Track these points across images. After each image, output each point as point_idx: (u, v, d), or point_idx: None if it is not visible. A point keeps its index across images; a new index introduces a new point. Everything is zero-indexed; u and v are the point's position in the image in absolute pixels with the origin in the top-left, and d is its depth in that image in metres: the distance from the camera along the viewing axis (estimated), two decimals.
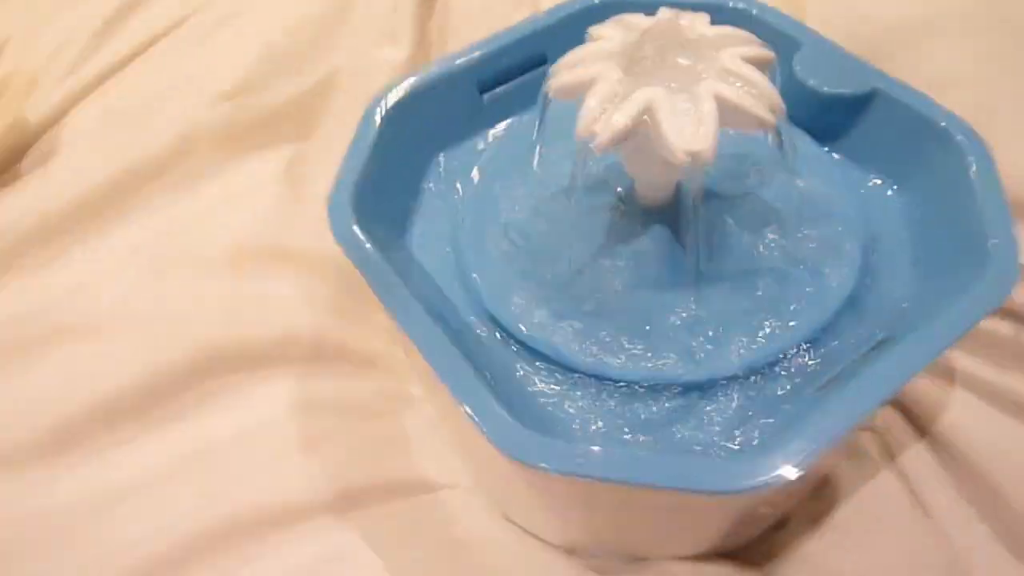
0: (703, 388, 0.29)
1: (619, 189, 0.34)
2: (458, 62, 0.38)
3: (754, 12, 0.39)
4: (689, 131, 0.26)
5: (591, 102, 0.27)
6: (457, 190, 0.37)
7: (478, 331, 0.32)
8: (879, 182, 0.36)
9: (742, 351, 0.29)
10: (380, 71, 0.53)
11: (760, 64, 0.29)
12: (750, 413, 0.29)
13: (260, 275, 0.44)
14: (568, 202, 0.34)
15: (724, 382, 0.29)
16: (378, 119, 0.36)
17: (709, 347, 0.30)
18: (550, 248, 0.33)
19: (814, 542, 0.37)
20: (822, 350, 0.30)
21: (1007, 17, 0.46)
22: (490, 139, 0.39)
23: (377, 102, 0.36)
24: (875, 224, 0.34)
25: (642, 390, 0.29)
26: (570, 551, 0.37)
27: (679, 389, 0.29)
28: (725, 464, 0.26)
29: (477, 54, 0.38)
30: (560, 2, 0.40)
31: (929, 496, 0.38)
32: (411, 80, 0.37)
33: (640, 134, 0.27)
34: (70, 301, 0.41)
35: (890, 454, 0.41)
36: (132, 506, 0.36)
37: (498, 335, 0.32)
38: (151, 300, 0.42)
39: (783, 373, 0.30)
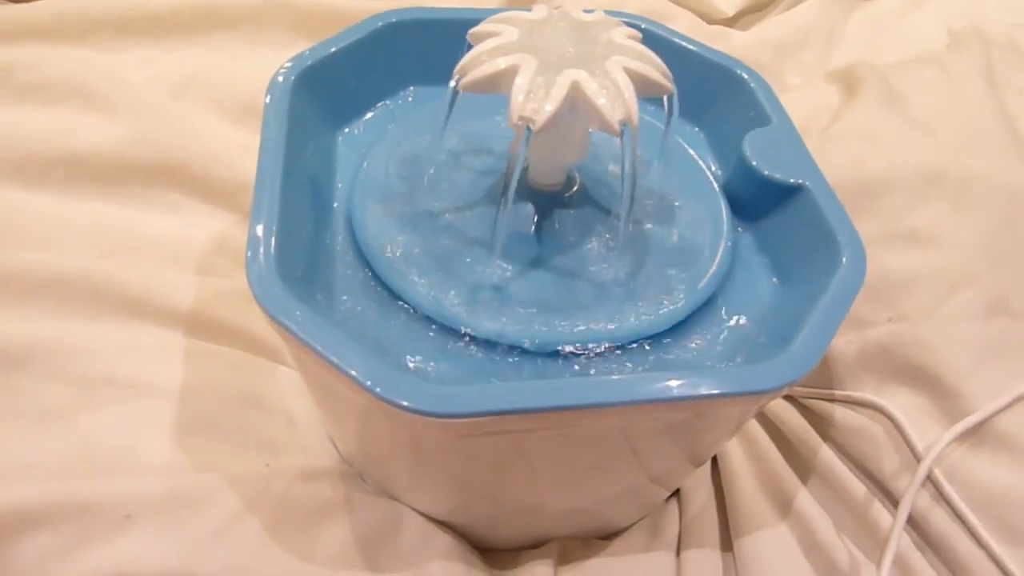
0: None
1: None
2: (451, 15, 0.41)
3: (740, 74, 0.40)
4: (615, 103, 0.28)
5: (519, 91, 0.29)
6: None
7: (336, 222, 0.35)
8: (767, 266, 0.36)
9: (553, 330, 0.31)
10: None
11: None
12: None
13: (255, 131, 0.49)
14: (465, 163, 0.37)
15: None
16: (366, 30, 0.40)
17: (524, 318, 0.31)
18: (431, 185, 0.36)
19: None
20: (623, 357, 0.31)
21: (1008, 195, 0.43)
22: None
23: (375, 16, 0.40)
24: (739, 302, 0.34)
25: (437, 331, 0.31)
26: (348, 463, 0.39)
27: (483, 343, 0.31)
28: (426, 385, 0.27)
29: (471, 13, 0.41)
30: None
31: None
32: (409, 11, 0.41)
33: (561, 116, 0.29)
34: (97, 78, 0.48)
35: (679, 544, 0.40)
36: (39, 238, 0.42)
37: (347, 239, 0.34)
38: (158, 108, 0.48)
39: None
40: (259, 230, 0.30)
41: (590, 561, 0.38)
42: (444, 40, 0.41)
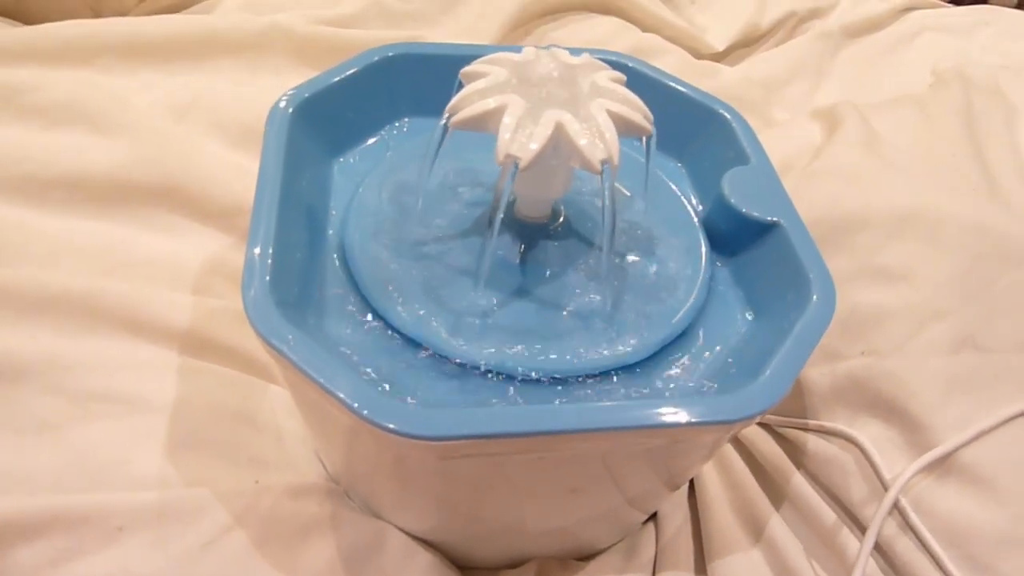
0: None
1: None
2: (446, 50, 0.43)
3: (721, 112, 0.42)
4: (597, 143, 0.30)
5: (506, 130, 0.30)
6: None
7: (329, 248, 0.36)
8: (742, 299, 0.37)
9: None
10: None
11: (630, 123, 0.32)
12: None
13: (253, 155, 0.51)
14: (456, 194, 0.38)
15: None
16: (364, 63, 0.41)
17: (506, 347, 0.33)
18: (421, 215, 0.37)
19: None
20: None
21: (978, 234, 0.45)
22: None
23: (373, 50, 0.42)
24: (714, 334, 0.36)
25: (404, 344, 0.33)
26: (334, 481, 0.40)
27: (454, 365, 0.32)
28: (410, 408, 0.29)
29: (466, 50, 0.43)
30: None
31: None
32: (405, 45, 0.43)
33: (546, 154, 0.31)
34: (100, 100, 0.50)
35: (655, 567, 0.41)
36: (39, 256, 0.44)
37: (339, 265, 0.36)
38: (159, 131, 0.50)
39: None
40: (255, 255, 0.31)
41: None
42: (439, 74, 0.43)
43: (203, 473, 0.37)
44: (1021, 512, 0.37)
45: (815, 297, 0.34)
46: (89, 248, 0.44)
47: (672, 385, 0.33)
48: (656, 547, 0.41)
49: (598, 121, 0.31)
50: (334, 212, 0.38)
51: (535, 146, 0.30)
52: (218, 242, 0.48)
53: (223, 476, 0.37)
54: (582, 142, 0.30)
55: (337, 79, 0.40)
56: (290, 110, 0.38)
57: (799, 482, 0.42)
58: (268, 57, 0.57)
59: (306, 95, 0.39)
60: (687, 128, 0.43)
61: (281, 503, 0.36)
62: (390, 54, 0.42)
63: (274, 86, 0.56)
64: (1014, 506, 0.38)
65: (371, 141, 0.42)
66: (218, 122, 0.52)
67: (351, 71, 0.41)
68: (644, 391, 0.33)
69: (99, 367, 0.39)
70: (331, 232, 0.37)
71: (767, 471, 0.43)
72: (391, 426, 0.27)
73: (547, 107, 0.31)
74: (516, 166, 0.30)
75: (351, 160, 0.41)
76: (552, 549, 0.41)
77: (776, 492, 0.42)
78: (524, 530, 0.39)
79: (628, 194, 0.41)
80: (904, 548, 0.38)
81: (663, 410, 0.29)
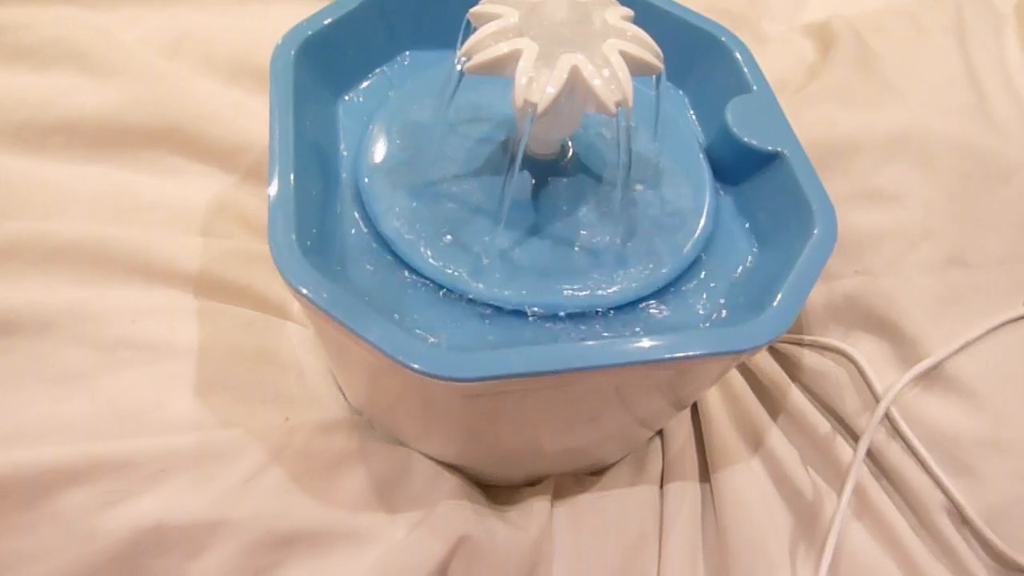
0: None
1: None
2: None
3: (723, 40, 0.42)
4: (611, 86, 0.30)
5: (522, 74, 0.30)
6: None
7: (345, 190, 0.37)
8: (746, 229, 0.38)
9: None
10: None
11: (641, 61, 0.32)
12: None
13: (249, 89, 0.50)
14: (464, 132, 0.39)
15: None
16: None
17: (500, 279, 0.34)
18: (434, 154, 0.38)
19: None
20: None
21: (967, 154, 0.46)
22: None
23: None
24: (720, 264, 0.37)
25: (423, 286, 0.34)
26: (357, 412, 0.42)
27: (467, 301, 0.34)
28: (436, 350, 0.30)
29: None
30: None
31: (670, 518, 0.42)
32: None
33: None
34: (90, 38, 0.48)
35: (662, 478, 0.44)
36: (45, 205, 0.43)
37: (355, 207, 0.36)
38: (152, 69, 0.49)
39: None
40: (277, 203, 0.32)
41: (583, 495, 0.42)
42: (439, 4, 0.43)
43: (233, 413, 0.38)
44: (999, 417, 0.40)
45: (817, 229, 0.35)
46: (94, 195, 0.44)
47: (684, 315, 0.35)
48: (663, 461, 0.44)
49: (611, 63, 0.31)
50: (345, 153, 0.38)
51: (552, 90, 0.30)
52: (221, 181, 0.48)
53: (253, 415, 0.39)
54: (596, 83, 0.31)
55: (337, 15, 0.39)
56: (292, 51, 0.37)
57: (796, 396, 0.44)
58: None
59: (308, 33, 0.38)
60: (689, 55, 0.43)
61: (312, 439, 0.38)
62: None
63: (264, 16, 0.54)
64: (993, 411, 0.41)
65: (373, 77, 0.42)
66: (210, 57, 0.51)
67: (351, 6, 0.40)
68: (657, 322, 0.35)
69: (119, 315, 0.40)
70: (344, 175, 0.38)
71: (765, 386, 0.45)
72: (416, 367, 0.29)
73: (560, 49, 0.31)
74: (534, 111, 0.31)
75: (356, 99, 0.41)
76: (568, 467, 0.43)
77: (774, 406, 0.45)
78: (542, 453, 0.41)
79: (633, 124, 0.41)
80: (894, 454, 0.41)
81: (676, 342, 0.31)
